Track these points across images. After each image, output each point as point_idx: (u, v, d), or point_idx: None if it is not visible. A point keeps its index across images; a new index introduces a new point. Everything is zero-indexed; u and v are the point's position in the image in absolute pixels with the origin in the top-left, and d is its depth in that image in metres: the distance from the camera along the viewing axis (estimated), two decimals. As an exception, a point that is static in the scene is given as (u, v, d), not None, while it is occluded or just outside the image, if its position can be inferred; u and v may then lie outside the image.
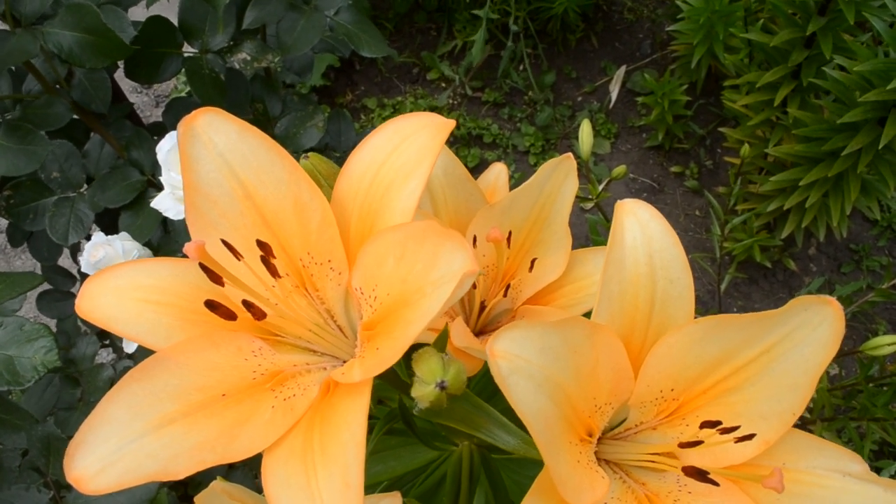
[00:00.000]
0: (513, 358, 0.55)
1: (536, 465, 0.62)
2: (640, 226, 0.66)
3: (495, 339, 0.55)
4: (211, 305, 0.61)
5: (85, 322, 2.03)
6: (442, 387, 0.55)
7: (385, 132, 0.67)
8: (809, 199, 2.48)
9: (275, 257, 0.64)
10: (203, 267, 0.61)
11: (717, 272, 2.45)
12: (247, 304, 0.62)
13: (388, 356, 0.55)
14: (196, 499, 0.72)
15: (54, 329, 2.08)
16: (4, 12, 1.40)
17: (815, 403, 1.96)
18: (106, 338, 2.04)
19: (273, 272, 0.64)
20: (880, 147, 2.15)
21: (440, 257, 0.54)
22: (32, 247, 1.89)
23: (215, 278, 0.61)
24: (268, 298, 0.65)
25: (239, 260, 0.64)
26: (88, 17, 1.40)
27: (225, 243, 0.63)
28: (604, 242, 0.68)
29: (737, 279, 2.93)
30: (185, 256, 0.62)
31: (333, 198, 0.68)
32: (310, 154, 0.75)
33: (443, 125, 0.64)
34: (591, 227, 2.29)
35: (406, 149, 0.65)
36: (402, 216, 0.62)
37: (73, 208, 1.78)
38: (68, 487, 1.59)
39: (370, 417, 1.01)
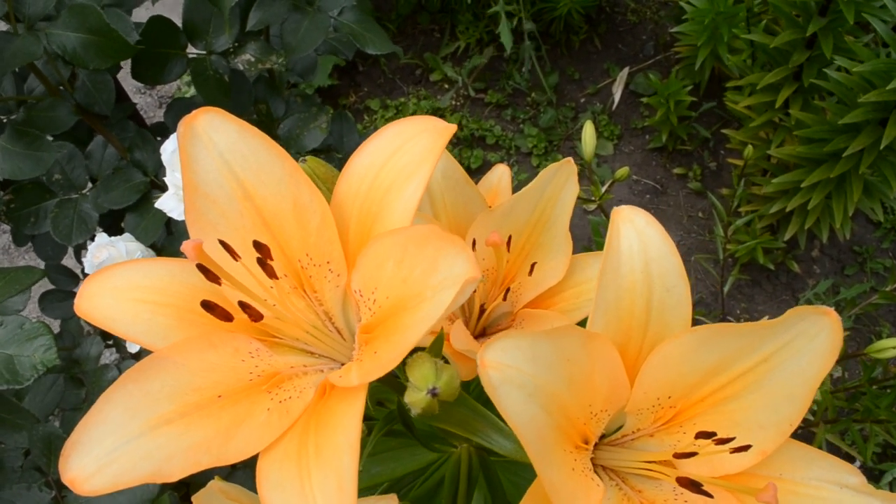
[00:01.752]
0: (503, 368, 0.55)
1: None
2: (637, 233, 0.66)
3: (486, 350, 0.54)
4: (207, 306, 0.61)
5: (88, 322, 2.04)
6: (433, 393, 0.55)
7: (386, 135, 0.67)
8: (812, 201, 2.47)
9: (272, 259, 0.64)
10: (200, 267, 0.61)
11: (721, 274, 2.45)
12: (243, 305, 0.62)
13: (386, 361, 0.55)
14: (193, 498, 0.72)
15: (58, 329, 2.08)
16: (8, 13, 1.41)
17: (818, 406, 1.95)
18: (110, 338, 2.05)
19: (270, 273, 0.64)
20: (882, 148, 2.14)
21: (441, 262, 0.53)
22: (37, 246, 1.89)
23: (213, 278, 0.61)
24: (265, 299, 0.65)
25: (237, 260, 0.64)
26: (92, 17, 1.41)
27: (223, 243, 0.63)
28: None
29: (740, 281, 2.93)
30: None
31: (333, 200, 0.69)
32: (308, 157, 0.75)
33: (444, 129, 0.64)
34: (593, 229, 2.29)
35: (407, 151, 0.65)
36: (401, 219, 0.62)
37: (76, 209, 1.78)
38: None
39: (370, 419, 1.01)
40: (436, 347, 0.67)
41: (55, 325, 2.15)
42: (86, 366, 1.95)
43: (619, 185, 3.13)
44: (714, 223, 2.83)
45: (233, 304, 0.63)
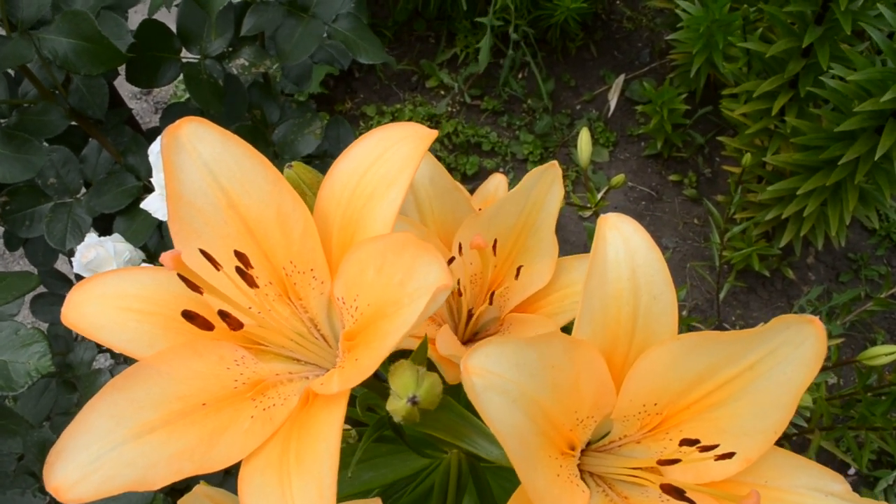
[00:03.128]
0: (486, 374, 0.55)
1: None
2: (623, 240, 0.66)
3: (469, 356, 0.54)
4: (188, 316, 0.61)
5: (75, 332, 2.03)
6: (413, 402, 0.55)
7: (367, 142, 0.67)
8: (808, 208, 2.48)
9: (252, 267, 0.64)
10: (181, 277, 0.61)
11: (717, 281, 2.45)
12: (223, 315, 0.62)
13: (365, 367, 0.55)
14: (179, 502, 0.72)
15: (48, 333, 2.08)
16: (1, 17, 1.41)
17: (813, 413, 1.95)
18: (102, 342, 2.04)
19: (250, 282, 0.64)
20: (877, 157, 2.14)
21: (417, 270, 0.54)
22: (28, 251, 1.89)
23: (195, 287, 0.61)
24: (249, 308, 0.65)
25: (218, 270, 0.64)
26: (84, 24, 1.41)
27: (203, 253, 0.63)
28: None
29: (735, 288, 2.93)
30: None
31: (316, 207, 0.69)
32: (294, 164, 0.75)
33: (425, 135, 0.64)
34: (589, 236, 2.29)
35: (388, 159, 0.65)
36: (382, 226, 0.62)
37: (70, 214, 1.78)
38: (62, 493, 1.59)
39: (361, 424, 1.01)
40: (420, 354, 0.67)
41: (44, 329, 2.15)
42: (79, 370, 1.95)
43: (615, 192, 3.14)
44: (710, 230, 2.83)
45: (215, 313, 0.63)
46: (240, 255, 0.63)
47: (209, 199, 0.67)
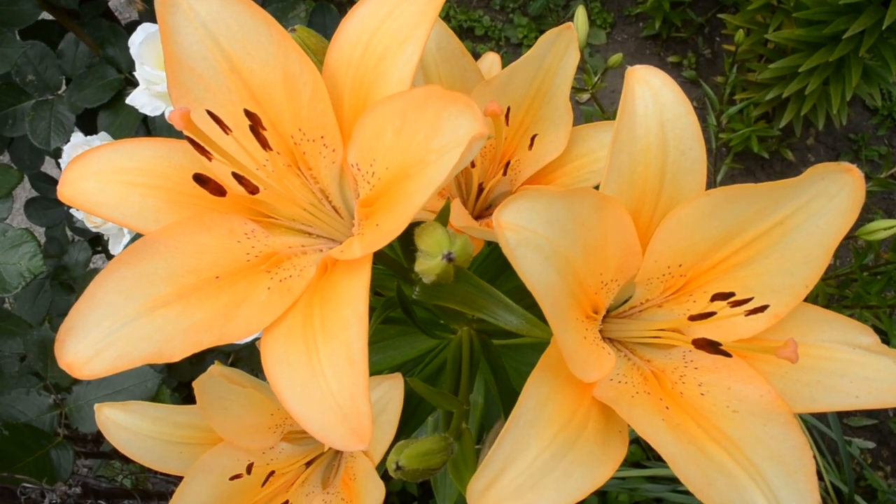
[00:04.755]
0: (520, 230, 0.53)
1: (536, 351, 0.61)
2: (652, 94, 0.62)
3: (502, 210, 0.52)
4: (200, 179, 0.58)
5: (75, 229, 2.01)
6: (449, 258, 0.52)
7: (376, -1, 0.62)
8: (809, 86, 2.42)
9: (265, 129, 0.61)
10: (190, 140, 0.57)
11: (713, 164, 2.42)
12: (238, 178, 0.58)
13: (388, 231, 0.52)
14: (194, 383, 0.71)
15: (44, 238, 2.05)
16: None
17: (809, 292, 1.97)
18: (98, 244, 2.02)
19: (263, 143, 0.60)
20: (884, 28, 2.08)
21: (444, 123, 0.50)
22: (14, 154, 1.85)
23: (203, 152, 0.58)
24: (261, 177, 0.62)
25: (227, 134, 0.60)
26: None
27: (211, 114, 0.59)
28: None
29: (733, 170, 2.90)
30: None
31: (325, 71, 0.64)
32: (298, 27, 0.70)
33: (440, -11, 0.59)
34: (587, 119, 2.24)
35: (400, 14, 0.60)
36: (398, 85, 0.58)
37: (52, 111, 1.73)
38: (68, 390, 1.60)
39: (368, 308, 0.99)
40: (443, 217, 0.64)
41: (41, 233, 2.12)
42: (74, 271, 1.93)
43: (613, 75, 3.05)
44: (708, 112, 2.78)
45: (224, 181, 0.60)
46: (251, 115, 0.59)
47: (209, 62, 0.63)
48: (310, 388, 0.50)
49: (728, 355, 0.60)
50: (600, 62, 3.10)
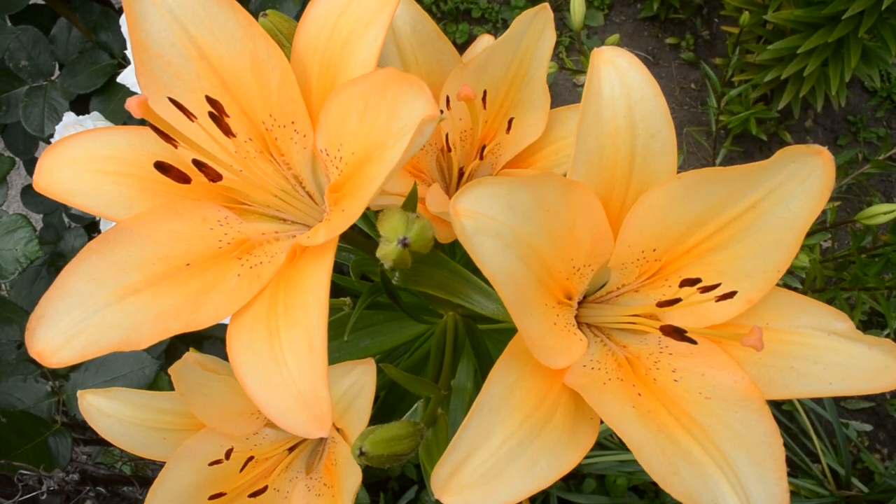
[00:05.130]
0: (478, 216, 0.52)
1: (521, 336, 0.60)
2: (619, 75, 0.62)
3: (459, 197, 0.51)
4: (162, 167, 0.57)
5: (71, 216, 2.01)
6: (404, 244, 0.52)
7: (341, -19, 0.61)
8: (808, 68, 2.40)
9: (228, 116, 0.60)
10: (153, 127, 0.57)
11: (713, 146, 2.41)
12: (198, 164, 0.58)
13: (350, 215, 0.52)
14: (170, 370, 0.71)
15: (41, 225, 2.06)
16: None
17: (807, 274, 1.96)
18: (94, 230, 2.03)
19: (226, 130, 0.60)
20: (883, 9, 2.06)
21: (401, 107, 0.50)
22: (8, 141, 1.85)
23: (168, 139, 0.58)
24: (229, 164, 0.62)
25: (192, 121, 0.60)
26: None
27: (173, 101, 0.59)
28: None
29: (732, 153, 2.88)
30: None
31: (293, 55, 0.64)
32: (269, 12, 0.70)
33: (402, -29, 0.59)
34: (583, 103, 2.23)
35: None
36: (363, 67, 0.57)
37: (45, 97, 1.73)
38: (66, 377, 1.60)
39: (356, 294, 0.99)
40: (410, 202, 0.64)
41: (38, 219, 2.12)
42: (70, 258, 1.93)
43: (610, 59, 3.03)
44: (707, 94, 2.76)
45: (190, 167, 0.60)
46: (212, 102, 0.59)
47: (177, 49, 0.63)
48: (271, 376, 0.50)
49: (693, 342, 0.60)
50: (598, 44, 3.07)
